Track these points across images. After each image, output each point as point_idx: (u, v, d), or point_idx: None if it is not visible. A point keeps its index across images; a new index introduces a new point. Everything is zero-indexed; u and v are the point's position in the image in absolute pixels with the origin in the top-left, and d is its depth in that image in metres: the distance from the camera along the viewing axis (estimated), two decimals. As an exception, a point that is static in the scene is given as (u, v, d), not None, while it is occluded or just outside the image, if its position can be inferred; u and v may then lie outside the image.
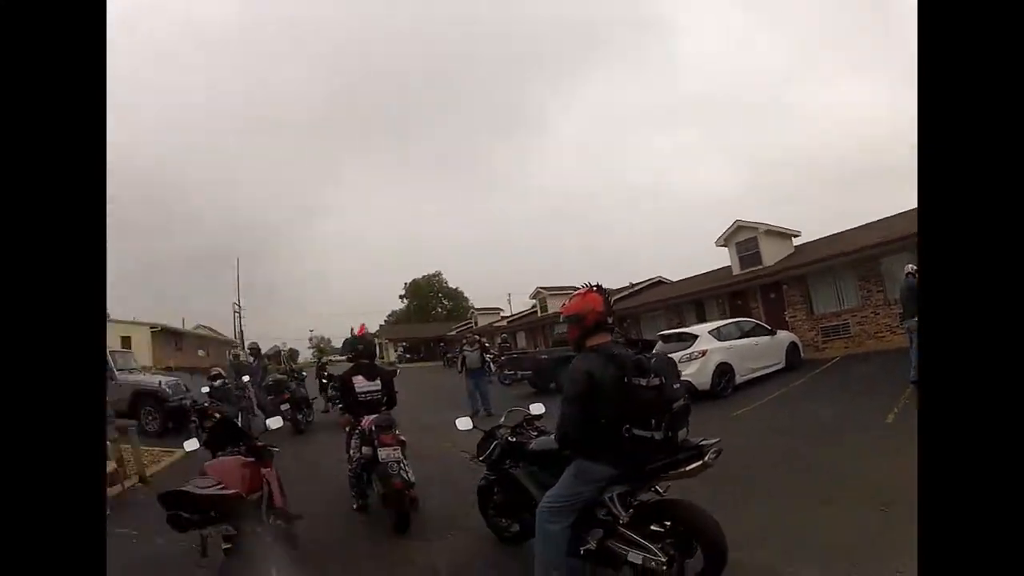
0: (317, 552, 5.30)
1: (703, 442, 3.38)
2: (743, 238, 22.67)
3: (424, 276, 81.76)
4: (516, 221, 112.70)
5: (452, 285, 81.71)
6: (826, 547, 4.31)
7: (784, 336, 15.90)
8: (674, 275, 32.57)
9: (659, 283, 32.63)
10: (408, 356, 56.22)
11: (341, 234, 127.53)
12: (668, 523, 3.39)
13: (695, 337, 13.35)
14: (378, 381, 6.47)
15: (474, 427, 5.32)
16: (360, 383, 6.42)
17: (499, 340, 29.73)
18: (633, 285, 33.29)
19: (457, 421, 5.42)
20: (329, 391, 16.13)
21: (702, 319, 21.97)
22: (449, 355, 39.37)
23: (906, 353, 10.94)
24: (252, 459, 4.76)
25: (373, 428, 5.85)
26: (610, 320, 3.62)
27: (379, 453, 5.60)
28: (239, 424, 8.03)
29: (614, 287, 33.83)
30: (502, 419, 5.07)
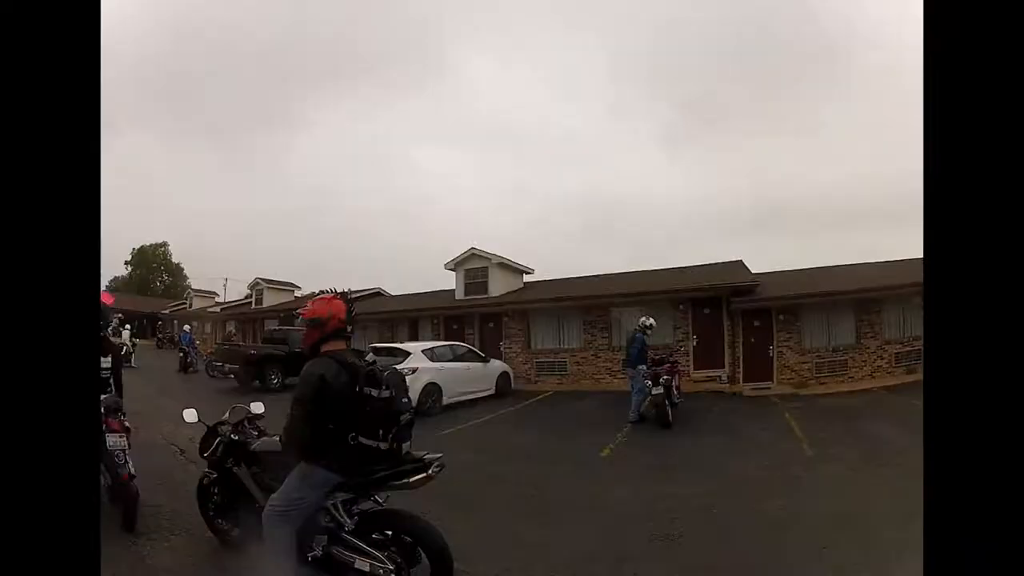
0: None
1: (426, 456, 3.53)
2: (474, 266, 22.19)
3: (152, 244, 74.56)
4: (260, 209, 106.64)
5: (175, 260, 75.60)
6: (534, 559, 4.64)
7: (496, 365, 15.90)
8: (395, 290, 31.52)
9: (377, 295, 31.34)
10: (120, 330, 49.49)
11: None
12: (390, 532, 3.47)
13: (407, 354, 13.18)
14: (109, 357, 5.75)
15: (199, 420, 5.00)
16: None
17: (229, 331, 29.27)
18: (350, 292, 30.75)
19: (184, 412, 5.07)
20: None
21: (415, 337, 21.43)
22: (161, 335, 38.20)
23: (621, 396, 12.20)
24: None
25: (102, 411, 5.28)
26: (349, 329, 3.68)
27: (107, 440, 5.07)
28: None
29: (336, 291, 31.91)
30: (226, 415, 4.86)
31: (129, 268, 74.18)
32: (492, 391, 14.78)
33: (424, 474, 3.44)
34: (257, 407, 4.98)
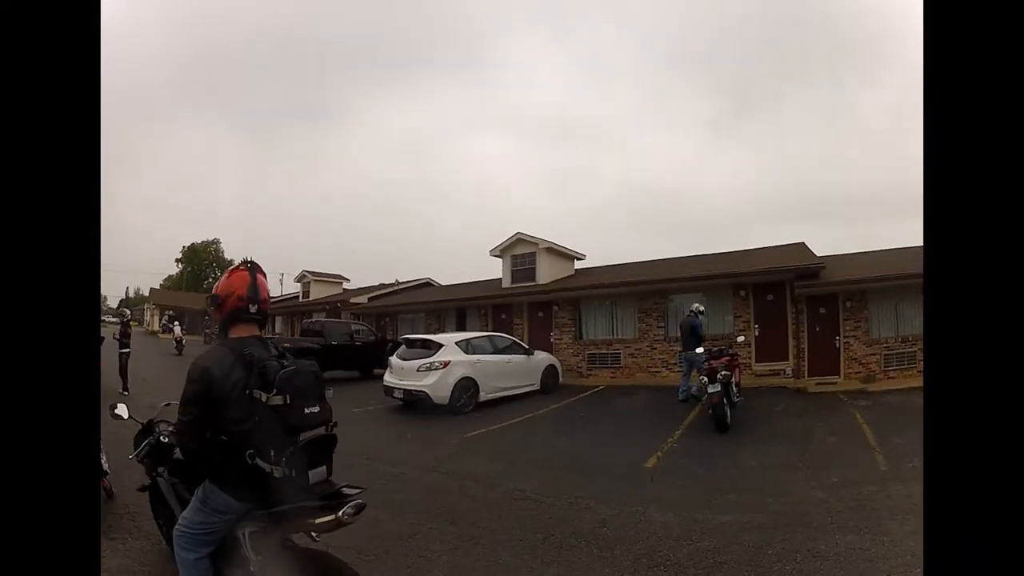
0: None
1: (344, 489, 2.84)
2: (521, 252, 21.25)
3: (203, 242, 78.70)
4: (311, 204, 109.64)
5: (228, 257, 78.00)
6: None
7: (542, 357, 14.71)
8: (447, 280, 30.90)
9: (427, 285, 31.01)
10: (171, 327, 51.60)
11: (127, 189, 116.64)
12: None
13: (440, 346, 12.31)
14: None
15: (130, 416, 4.63)
16: None
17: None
18: (399, 283, 31.46)
19: (115, 407, 4.60)
20: None
21: (463, 328, 20.78)
22: (208, 331, 37.15)
23: (671, 391, 12.31)
24: None
25: None
26: (252, 309, 2.93)
27: None
28: None
29: (385, 282, 32.55)
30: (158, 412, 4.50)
31: (180, 266, 77.85)
32: (537, 386, 13.72)
33: (331, 516, 2.72)
34: None
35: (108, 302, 71.49)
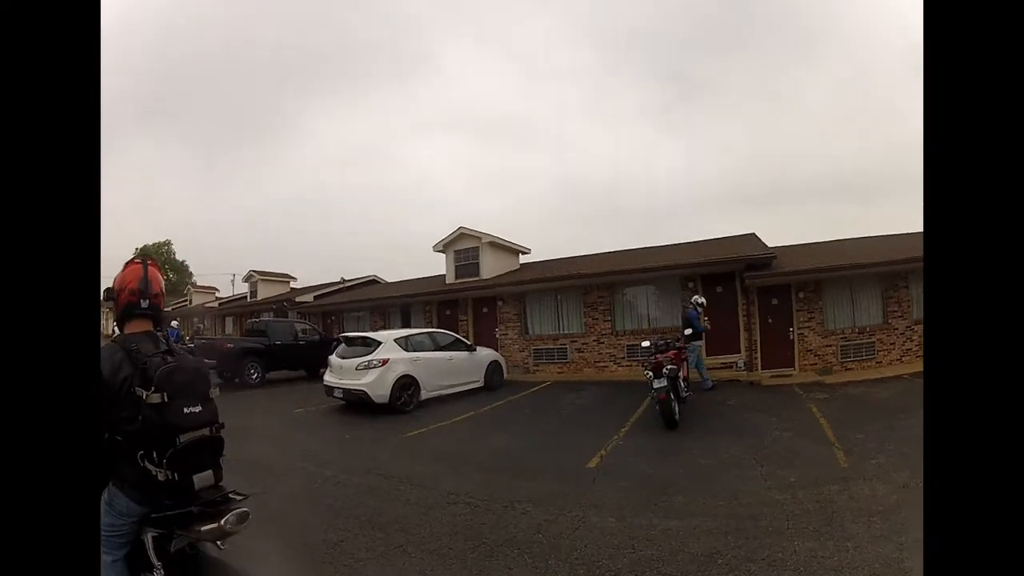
0: None
1: (232, 495, 2.68)
2: (464, 247, 20.82)
3: (155, 243, 75.22)
4: (258, 207, 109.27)
5: (179, 258, 76.80)
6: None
7: (486, 354, 14.52)
8: (393, 278, 30.53)
9: (373, 282, 30.54)
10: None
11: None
12: None
13: (379, 343, 12.15)
14: None
15: None
16: None
17: (199, 326, 29.12)
18: (344, 280, 30.97)
19: None
20: None
21: (408, 325, 20.31)
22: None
23: (623, 387, 12.98)
24: None
25: None
26: (144, 304, 2.84)
27: None
28: None
29: (328, 281, 32.25)
30: None
31: None
32: (481, 383, 13.57)
33: (214, 524, 2.59)
34: None
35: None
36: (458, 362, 13.19)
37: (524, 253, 21.84)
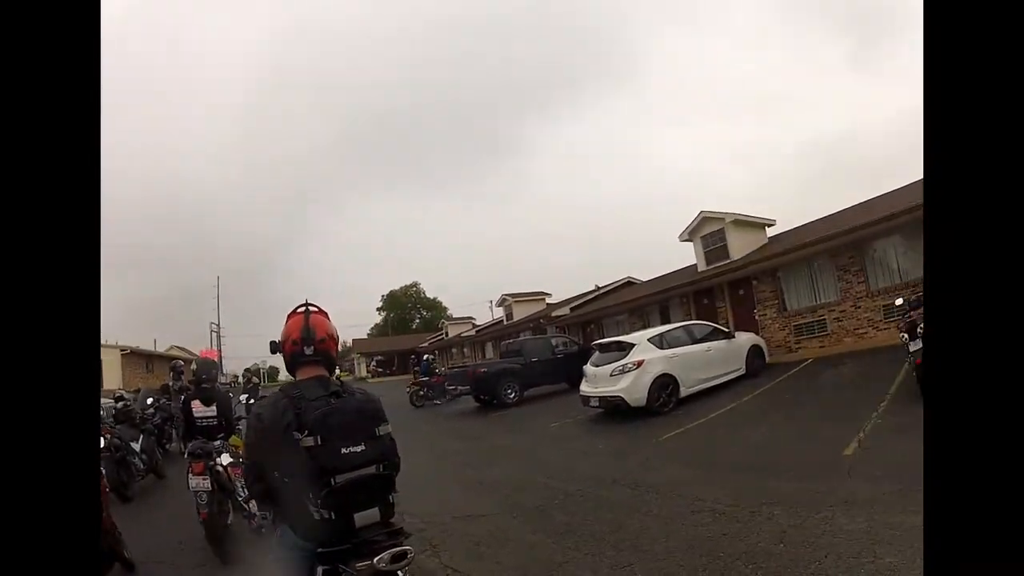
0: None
1: (391, 534, 2.73)
2: (709, 230, 20.10)
3: (402, 287, 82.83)
4: (499, 233, 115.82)
5: (430, 295, 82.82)
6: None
7: (745, 338, 14.19)
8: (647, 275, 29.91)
9: (628, 284, 30.28)
10: (380, 370, 55.86)
11: (325, 253, 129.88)
12: None
13: (632, 346, 11.93)
14: (214, 407, 6.44)
15: None
16: (197, 408, 6.40)
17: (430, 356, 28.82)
18: (599, 288, 30.93)
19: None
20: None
21: (667, 322, 19.89)
22: (417, 370, 38.65)
23: (883, 354, 11.45)
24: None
25: (186, 456, 6.04)
26: (308, 351, 2.95)
27: (189, 481, 5.73)
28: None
29: (583, 291, 32.35)
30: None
31: (382, 313, 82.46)
32: (743, 370, 13.11)
33: (366, 562, 2.62)
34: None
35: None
36: (717, 352, 12.77)
37: (770, 225, 20.66)
